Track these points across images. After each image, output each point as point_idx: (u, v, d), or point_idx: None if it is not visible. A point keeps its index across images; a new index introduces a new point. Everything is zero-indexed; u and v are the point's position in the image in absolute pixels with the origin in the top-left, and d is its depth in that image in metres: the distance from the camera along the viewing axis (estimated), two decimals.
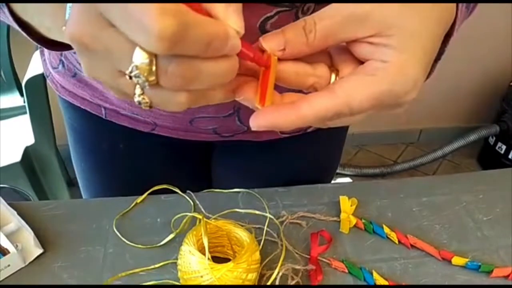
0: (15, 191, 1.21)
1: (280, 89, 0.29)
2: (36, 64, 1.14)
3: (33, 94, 1.13)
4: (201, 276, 0.42)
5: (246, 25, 0.41)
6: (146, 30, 0.19)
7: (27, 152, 1.19)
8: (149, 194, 0.57)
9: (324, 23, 0.27)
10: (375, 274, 0.48)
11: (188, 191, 0.58)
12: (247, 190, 0.58)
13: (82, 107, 0.54)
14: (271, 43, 0.27)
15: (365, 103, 0.27)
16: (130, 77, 0.22)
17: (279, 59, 0.28)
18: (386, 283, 0.47)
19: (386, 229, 0.53)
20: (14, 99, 1.48)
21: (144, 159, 0.60)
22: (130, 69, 0.22)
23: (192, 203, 0.56)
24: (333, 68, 0.30)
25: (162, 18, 0.19)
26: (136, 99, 0.24)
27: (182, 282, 0.44)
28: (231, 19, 0.23)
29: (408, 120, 2.01)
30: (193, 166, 0.65)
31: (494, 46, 1.85)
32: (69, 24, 0.23)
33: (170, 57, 0.21)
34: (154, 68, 0.22)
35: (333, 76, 0.29)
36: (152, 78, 0.22)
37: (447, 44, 0.32)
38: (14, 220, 0.51)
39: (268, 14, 0.40)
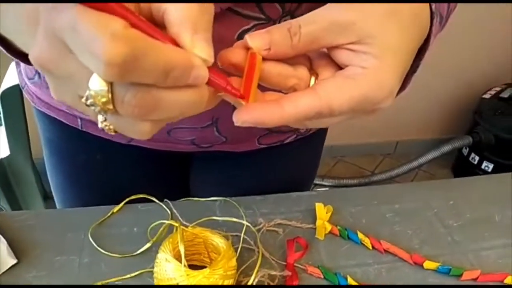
0: None
1: (260, 88, 0.30)
2: (12, 75, 1.13)
3: (9, 105, 1.11)
4: (177, 283, 0.42)
5: (224, 37, 0.42)
6: (95, 56, 0.19)
7: (2, 164, 1.17)
8: (125, 203, 0.57)
9: (309, 28, 0.28)
10: (349, 279, 0.49)
11: (165, 200, 0.58)
12: (224, 198, 0.59)
13: (58, 118, 0.54)
14: (257, 41, 0.28)
15: (344, 105, 0.28)
16: (87, 105, 0.22)
17: (262, 59, 0.29)
18: None
19: (360, 235, 0.54)
20: None
21: (122, 170, 0.60)
22: (85, 96, 0.21)
23: (169, 211, 0.56)
24: (313, 71, 0.31)
25: (113, 44, 0.18)
26: (99, 125, 0.24)
27: None
28: (198, 47, 0.22)
29: (385, 132, 2.05)
30: (171, 176, 0.66)
31: (465, 60, 1.91)
32: (33, 48, 0.23)
33: (126, 85, 0.21)
34: (110, 95, 0.21)
35: (313, 79, 0.30)
36: (110, 106, 0.21)
37: (422, 58, 0.33)
38: None
39: (246, 27, 0.41)
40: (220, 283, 0.42)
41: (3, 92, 1.10)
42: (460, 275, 0.51)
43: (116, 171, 0.60)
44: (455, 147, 1.87)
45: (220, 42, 0.42)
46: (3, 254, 0.48)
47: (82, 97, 0.22)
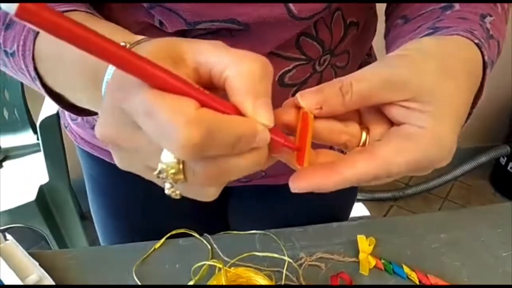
0: (30, 229, 1.22)
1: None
2: (49, 105, 1.17)
3: (48, 133, 1.15)
4: None
5: None
6: (172, 140, 0.20)
7: (42, 190, 1.20)
8: (166, 238, 0.57)
9: (361, 86, 0.27)
10: None
11: (205, 234, 0.58)
12: (263, 231, 0.58)
13: (101, 157, 0.55)
14: (309, 101, 0.27)
15: (403, 168, 0.27)
16: (158, 176, 0.23)
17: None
18: None
19: (406, 269, 0.53)
20: (27, 137, 1.51)
21: (162, 206, 0.61)
22: (158, 170, 0.22)
23: (209, 246, 0.56)
24: (363, 126, 0.30)
25: (188, 129, 0.19)
26: (166, 192, 0.24)
27: None
28: (259, 114, 0.23)
29: None
30: (210, 210, 0.66)
31: (500, 67, 1.85)
32: (99, 124, 0.24)
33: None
34: (181, 166, 0.22)
35: (364, 134, 0.29)
36: (180, 176, 0.22)
37: (475, 107, 0.32)
38: (36, 271, 0.51)
39: (287, 68, 0.42)
40: None
41: (42, 121, 1.13)
42: None
43: (156, 207, 0.61)
44: (492, 157, 1.80)
45: None
46: None
47: (150, 167, 0.23)
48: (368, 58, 0.57)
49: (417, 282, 0.52)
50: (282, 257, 0.54)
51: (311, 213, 0.62)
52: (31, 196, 1.17)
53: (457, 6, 0.35)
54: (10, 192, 1.26)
